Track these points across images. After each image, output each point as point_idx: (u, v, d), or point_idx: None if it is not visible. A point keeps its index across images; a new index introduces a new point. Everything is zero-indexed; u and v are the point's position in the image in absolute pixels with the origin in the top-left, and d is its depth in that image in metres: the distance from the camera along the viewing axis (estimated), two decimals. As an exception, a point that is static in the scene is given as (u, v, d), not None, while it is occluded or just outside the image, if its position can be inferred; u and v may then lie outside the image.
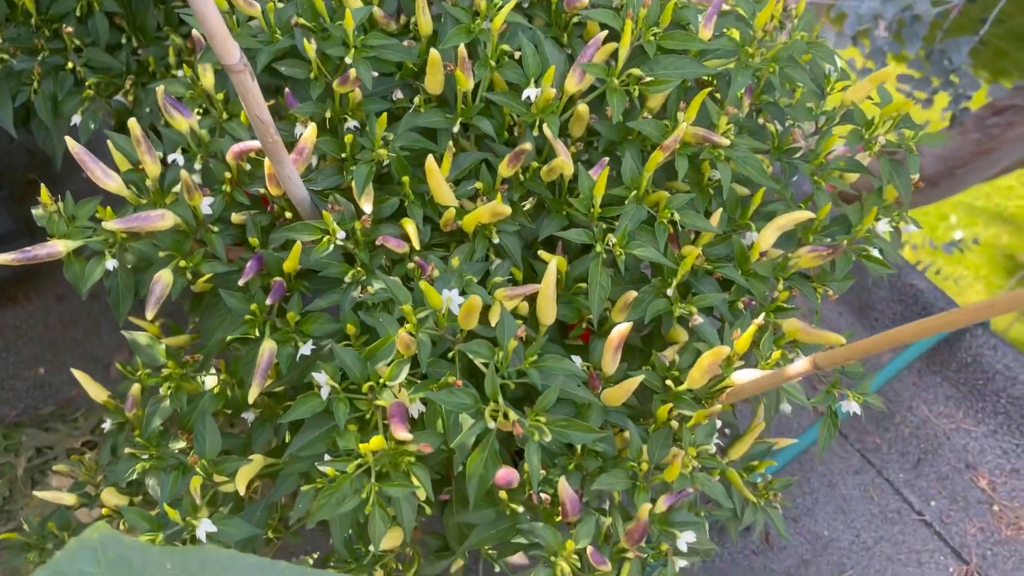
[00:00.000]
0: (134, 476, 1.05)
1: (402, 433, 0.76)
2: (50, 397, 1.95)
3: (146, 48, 1.44)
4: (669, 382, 0.96)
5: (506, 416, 0.82)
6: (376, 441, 0.77)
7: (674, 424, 0.95)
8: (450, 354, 0.89)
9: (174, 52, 1.32)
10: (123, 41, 1.43)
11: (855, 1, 2.79)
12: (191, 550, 0.51)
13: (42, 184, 0.96)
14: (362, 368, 0.85)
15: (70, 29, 1.35)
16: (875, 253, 1.06)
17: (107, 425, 1.18)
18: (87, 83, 1.38)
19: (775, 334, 1.02)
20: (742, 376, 0.93)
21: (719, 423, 1.03)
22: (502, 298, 0.93)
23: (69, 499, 1.13)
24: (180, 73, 1.07)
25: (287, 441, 1.07)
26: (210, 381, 1.08)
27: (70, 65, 1.37)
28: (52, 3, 1.37)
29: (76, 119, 1.38)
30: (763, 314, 0.95)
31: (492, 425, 0.81)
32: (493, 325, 0.91)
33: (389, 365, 0.84)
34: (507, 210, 0.92)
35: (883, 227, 1.07)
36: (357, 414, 0.85)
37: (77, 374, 1.19)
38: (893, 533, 1.98)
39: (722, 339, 0.98)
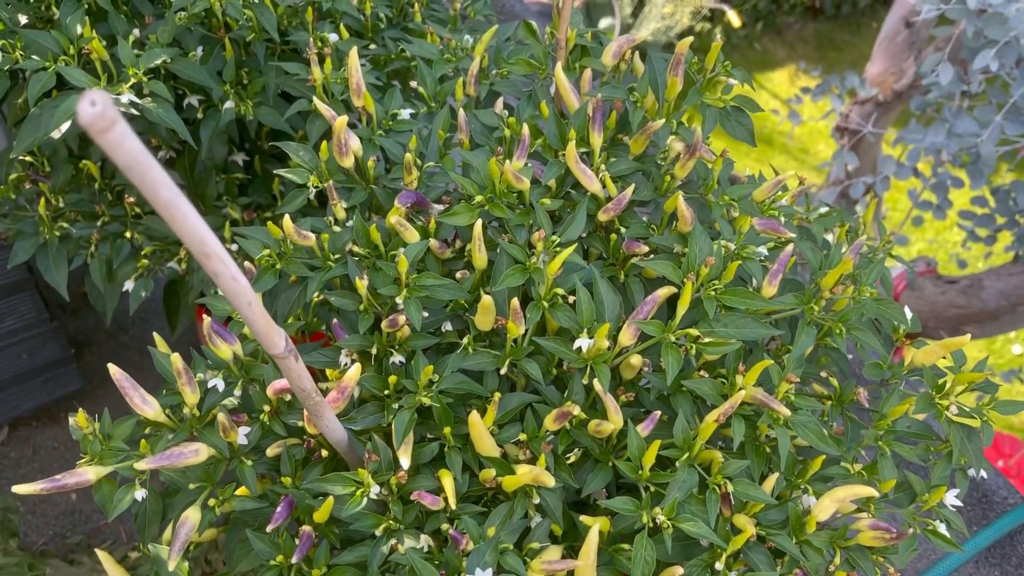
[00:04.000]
0: None
1: None
2: (79, 526, 1.94)
3: (204, 216, 1.44)
4: (713, 670, 0.90)
5: None
6: None
7: None
8: (479, 637, 0.84)
9: (229, 226, 1.32)
10: (182, 208, 1.44)
11: (918, 135, 2.73)
12: None
13: (81, 409, 0.94)
14: (385, 656, 0.80)
15: (132, 199, 1.36)
16: (942, 529, 0.99)
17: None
18: (143, 251, 1.39)
19: (831, 616, 0.95)
20: (792, 676, 0.86)
21: None
22: (538, 571, 0.88)
23: None
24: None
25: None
26: (231, 600, 1.04)
27: (129, 234, 1.38)
28: (117, 171, 1.39)
29: (129, 285, 1.39)
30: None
31: None
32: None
33: (413, 655, 0.79)
34: (550, 481, 0.88)
35: (951, 499, 1.00)
36: None
37: (101, 555, 1.16)
38: None
39: (772, 622, 0.91)
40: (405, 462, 0.91)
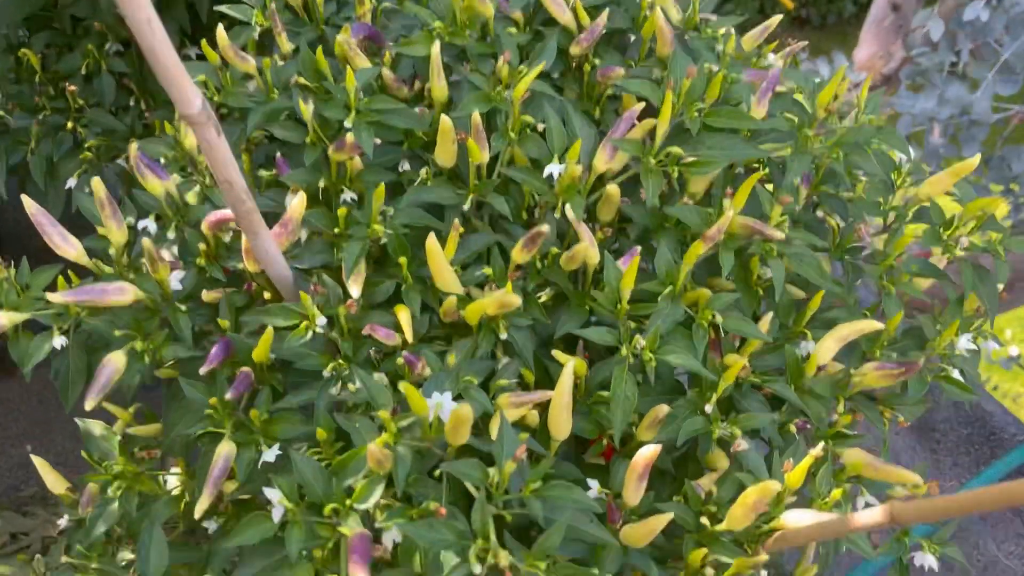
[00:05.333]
0: (70, 592, 0.90)
1: (360, 574, 0.60)
2: (33, 477, 1.82)
3: (155, 111, 1.35)
4: (704, 519, 0.79)
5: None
6: (330, 583, 0.61)
7: (708, 572, 0.78)
8: (437, 472, 0.74)
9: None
10: (131, 104, 1.35)
11: (909, 101, 2.66)
12: None
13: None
14: (326, 484, 0.69)
15: (73, 88, 1.27)
16: (955, 374, 0.89)
17: (63, 522, 1.03)
18: (87, 144, 1.29)
19: (835, 466, 0.85)
20: (796, 518, 0.76)
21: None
22: (505, 406, 0.78)
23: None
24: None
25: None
26: (172, 482, 0.94)
27: (70, 125, 1.28)
28: (59, 60, 1.30)
29: (72, 182, 1.29)
30: (821, 443, 0.78)
31: (478, 570, 0.65)
32: (495, 438, 0.76)
33: (360, 483, 0.69)
34: (516, 301, 0.78)
35: (964, 344, 0.90)
36: (318, 542, 0.70)
37: (36, 460, 1.07)
38: None
39: (770, 468, 0.81)
40: (355, 291, 0.81)
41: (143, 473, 0.92)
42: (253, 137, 0.96)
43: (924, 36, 2.67)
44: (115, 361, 0.81)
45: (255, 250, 0.78)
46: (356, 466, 0.70)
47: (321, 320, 0.79)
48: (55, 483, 1.06)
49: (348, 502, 0.69)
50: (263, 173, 0.97)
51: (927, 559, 0.86)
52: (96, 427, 0.94)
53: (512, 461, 0.67)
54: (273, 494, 0.68)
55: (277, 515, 0.68)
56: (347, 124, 0.86)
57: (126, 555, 0.95)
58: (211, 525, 0.94)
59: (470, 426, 0.66)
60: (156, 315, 0.87)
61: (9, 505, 1.76)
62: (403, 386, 0.67)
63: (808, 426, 0.87)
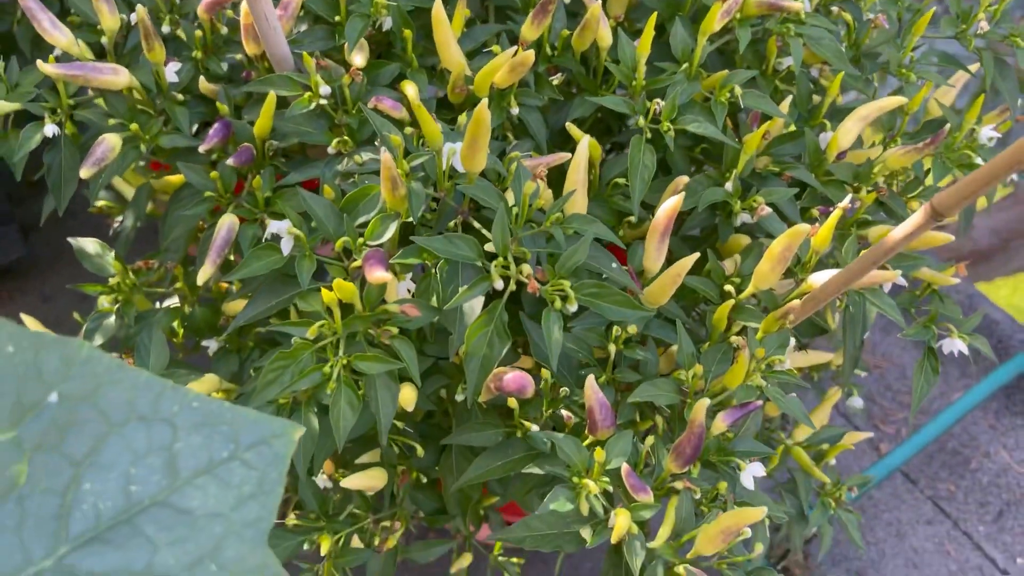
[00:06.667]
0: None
1: (379, 273, 0.57)
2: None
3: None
4: (729, 287, 0.76)
5: (518, 285, 0.62)
6: (344, 288, 0.58)
7: (735, 340, 0.75)
8: (452, 224, 0.71)
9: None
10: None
11: None
12: (44, 336, 0.33)
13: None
14: (336, 221, 0.66)
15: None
16: (978, 161, 0.87)
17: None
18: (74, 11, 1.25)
19: (860, 245, 0.82)
20: (823, 276, 0.73)
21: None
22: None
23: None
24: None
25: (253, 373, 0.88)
26: (170, 302, 0.91)
27: (57, -10, 1.24)
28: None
29: (58, 54, 1.25)
30: (848, 196, 0.75)
31: (500, 284, 0.61)
32: (510, 181, 0.73)
33: (373, 219, 0.66)
34: (530, 57, 0.75)
35: (988, 133, 0.88)
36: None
37: (24, 317, 1.03)
38: (975, 593, 1.69)
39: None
40: (359, 60, 0.78)
41: (140, 287, 0.89)
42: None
43: None
44: (110, 139, 0.77)
45: (253, 12, 0.74)
46: (368, 205, 0.67)
47: (325, 89, 0.76)
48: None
49: (361, 239, 0.65)
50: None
51: (956, 344, 0.84)
52: (89, 244, 0.90)
53: (531, 182, 0.64)
54: (280, 225, 0.64)
55: (286, 248, 0.65)
56: (347, -96, 0.83)
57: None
58: (211, 344, 0.91)
59: (488, 137, 0.63)
60: (152, 117, 0.83)
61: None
62: (414, 106, 0.64)
63: (831, 210, 0.84)
